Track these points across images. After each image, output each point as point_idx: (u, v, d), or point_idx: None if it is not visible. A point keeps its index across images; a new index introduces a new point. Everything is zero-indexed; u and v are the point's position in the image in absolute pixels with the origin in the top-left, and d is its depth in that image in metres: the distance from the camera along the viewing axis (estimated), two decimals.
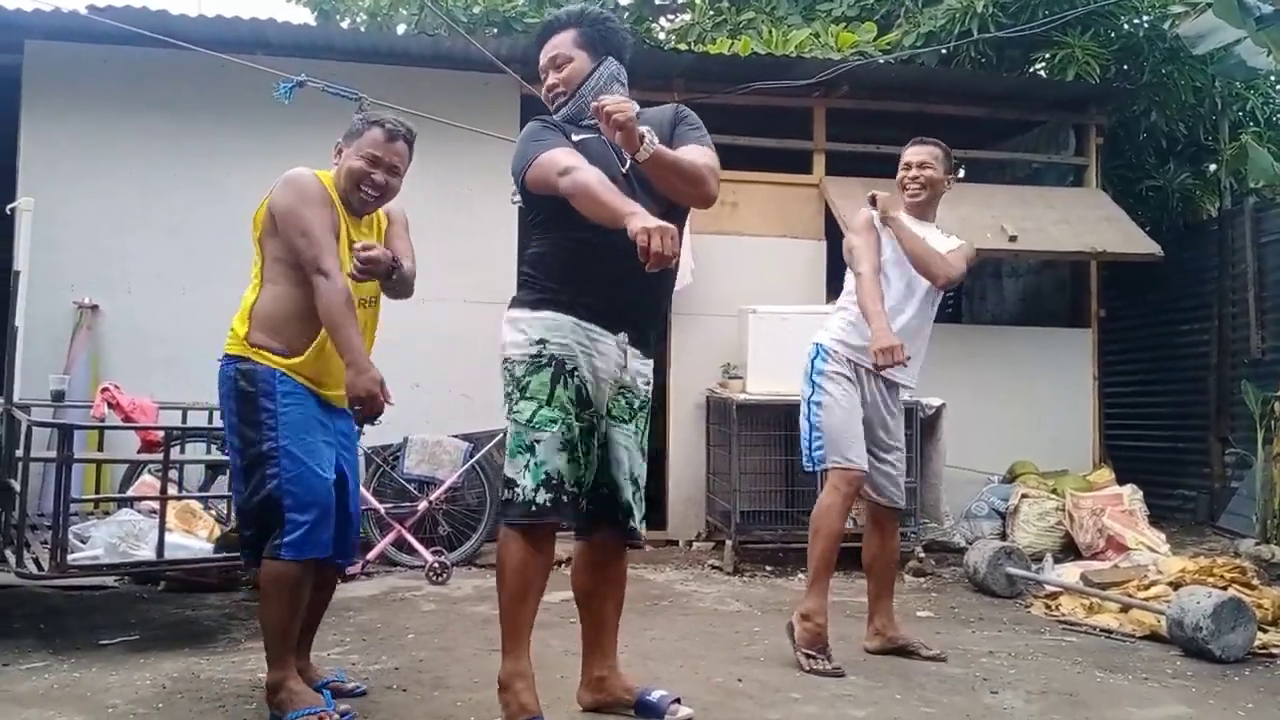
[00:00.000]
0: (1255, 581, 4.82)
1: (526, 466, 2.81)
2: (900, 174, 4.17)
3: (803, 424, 4.05)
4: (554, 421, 2.81)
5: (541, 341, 2.85)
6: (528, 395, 2.84)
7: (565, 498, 2.81)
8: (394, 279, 3.16)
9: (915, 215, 4.10)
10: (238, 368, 3.05)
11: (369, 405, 2.92)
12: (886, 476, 4.03)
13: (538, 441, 2.81)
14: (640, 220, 2.52)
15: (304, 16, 10.62)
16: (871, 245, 3.97)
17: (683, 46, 8.78)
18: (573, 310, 2.87)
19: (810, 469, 4.06)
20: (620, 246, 2.61)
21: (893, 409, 4.07)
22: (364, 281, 3.10)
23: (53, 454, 3.79)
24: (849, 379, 3.97)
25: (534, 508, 2.79)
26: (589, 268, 2.88)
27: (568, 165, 2.75)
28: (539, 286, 2.93)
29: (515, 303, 2.98)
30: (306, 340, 3.05)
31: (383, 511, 5.64)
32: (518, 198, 2.95)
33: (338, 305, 2.94)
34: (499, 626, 2.92)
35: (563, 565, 4.30)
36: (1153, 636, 4.36)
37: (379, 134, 3.16)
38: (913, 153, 4.16)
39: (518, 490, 2.81)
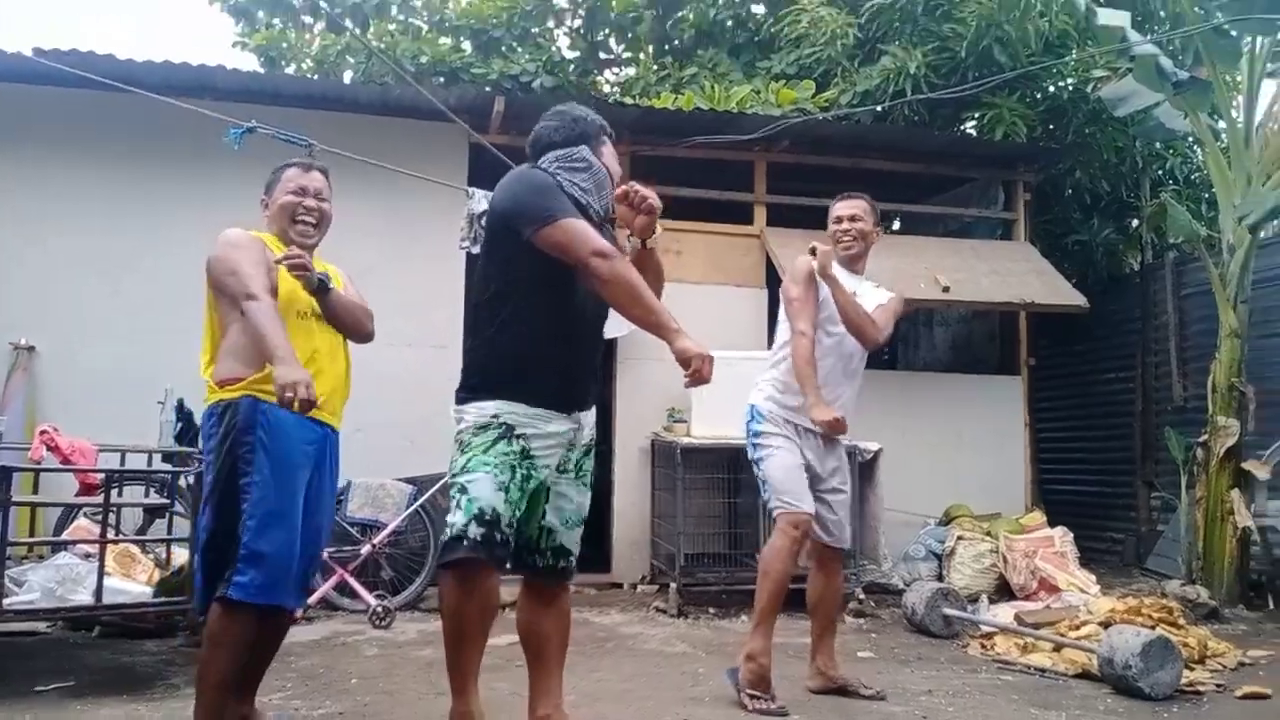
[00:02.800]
0: (1181, 621, 4.99)
1: (459, 505, 2.83)
2: (832, 227, 4.25)
3: (757, 478, 4.15)
4: (487, 465, 2.84)
5: (495, 415, 2.88)
6: (466, 450, 2.89)
7: (498, 535, 2.82)
8: (330, 295, 3.19)
9: (847, 268, 4.18)
10: (215, 410, 3.06)
11: (291, 396, 2.79)
12: (830, 519, 4.11)
13: (471, 483, 2.83)
14: (688, 341, 2.78)
15: (250, 63, 10.67)
16: (811, 301, 4.06)
17: (628, 100, 8.96)
18: (524, 399, 2.90)
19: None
20: (583, 333, 2.81)
21: (833, 453, 4.17)
22: (298, 281, 3.10)
23: None
24: (783, 435, 4.07)
25: (465, 541, 2.79)
26: (547, 355, 2.92)
27: (606, 248, 2.82)
28: (489, 383, 2.92)
29: (464, 398, 2.96)
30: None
31: (325, 555, 5.58)
32: (469, 244, 2.98)
33: (264, 317, 2.93)
34: (445, 670, 2.93)
35: (506, 609, 4.30)
36: (1085, 675, 4.47)
37: (295, 170, 3.32)
38: (843, 206, 4.25)
39: (451, 528, 2.84)
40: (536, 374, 2.91)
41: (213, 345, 3.18)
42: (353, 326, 3.32)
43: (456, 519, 2.82)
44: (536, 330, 2.91)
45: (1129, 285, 8.98)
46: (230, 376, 3.04)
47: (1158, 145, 8.72)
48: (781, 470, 3.99)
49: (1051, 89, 8.57)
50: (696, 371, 2.77)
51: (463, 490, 2.84)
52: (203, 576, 3.05)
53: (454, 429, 2.98)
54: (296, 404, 2.79)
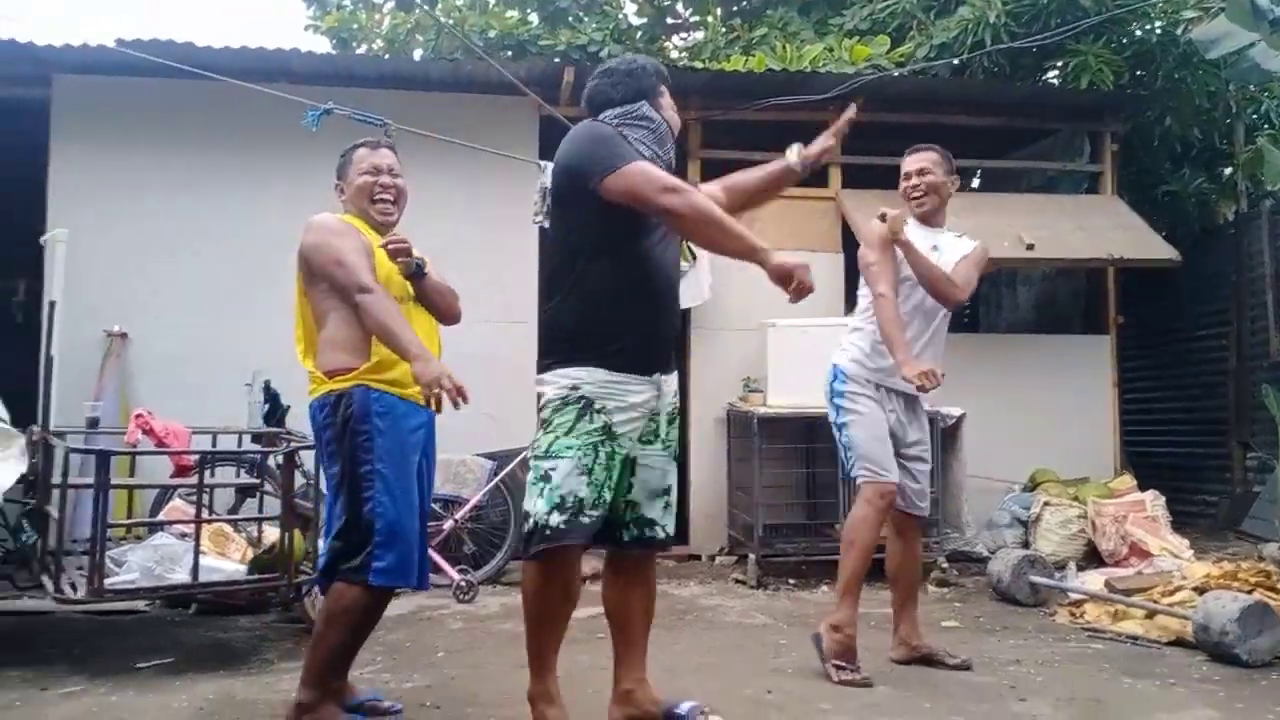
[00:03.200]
0: None
1: (540, 494, 2.83)
2: (902, 185, 4.15)
3: (838, 443, 4.09)
4: (570, 448, 2.83)
5: (574, 386, 2.87)
6: (549, 430, 2.88)
7: (584, 519, 2.83)
8: (425, 280, 3.23)
9: (924, 222, 4.10)
10: (327, 401, 3.10)
11: (440, 392, 2.84)
12: (912, 487, 4.04)
13: (553, 470, 2.83)
14: (779, 255, 2.79)
15: (323, 45, 10.80)
16: (889, 263, 3.97)
17: (698, 65, 8.85)
18: (605, 363, 2.87)
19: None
20: (660, 288, 2.77)
21: (916, 420, 4.10)
22: (401, 270, 3.16)
23: (90, 480, 3.87)
24: (870, 397, 4.00)
25: (548, 531, 2.80)
26: (625, 314, 2.89)
27: (677, 183, 2.79)
28: (567, 349, 2.90)
29: (544, 366, 2.95)
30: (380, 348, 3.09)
31: None
32: (542, 218, 2.97)
33: (386, 312, 2.98)
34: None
35: (587, 581, 4.34)
36: (1178, 642, 4.37)
37: (364, 150, 3.32)
38: (911, 161, 4.15)
39: (532, 519, 2.84)
40: (615, 334, 2.88)
41: (307, 334, 3.24)
42: (445, 310, 3.37)
43: (538, 507, 2.83)
44: (612, 289, 2.88)
45: (1223, 236, 8.62)
46: (339, 367, 3.08)
47: (1252, 88, 8.30)
48: (867, 436, 3.93)
49: (1139, 33, 8.20)
50: (800, 283, 2.77)
51: (545, 478, 2.84)
52: (328, 560, 3.11)
53: (534, 403, 3.00)
54: (445, 399, 2.83)
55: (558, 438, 2.85)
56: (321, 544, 3.34)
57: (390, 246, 3.14)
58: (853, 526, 3.91)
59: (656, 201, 2.76)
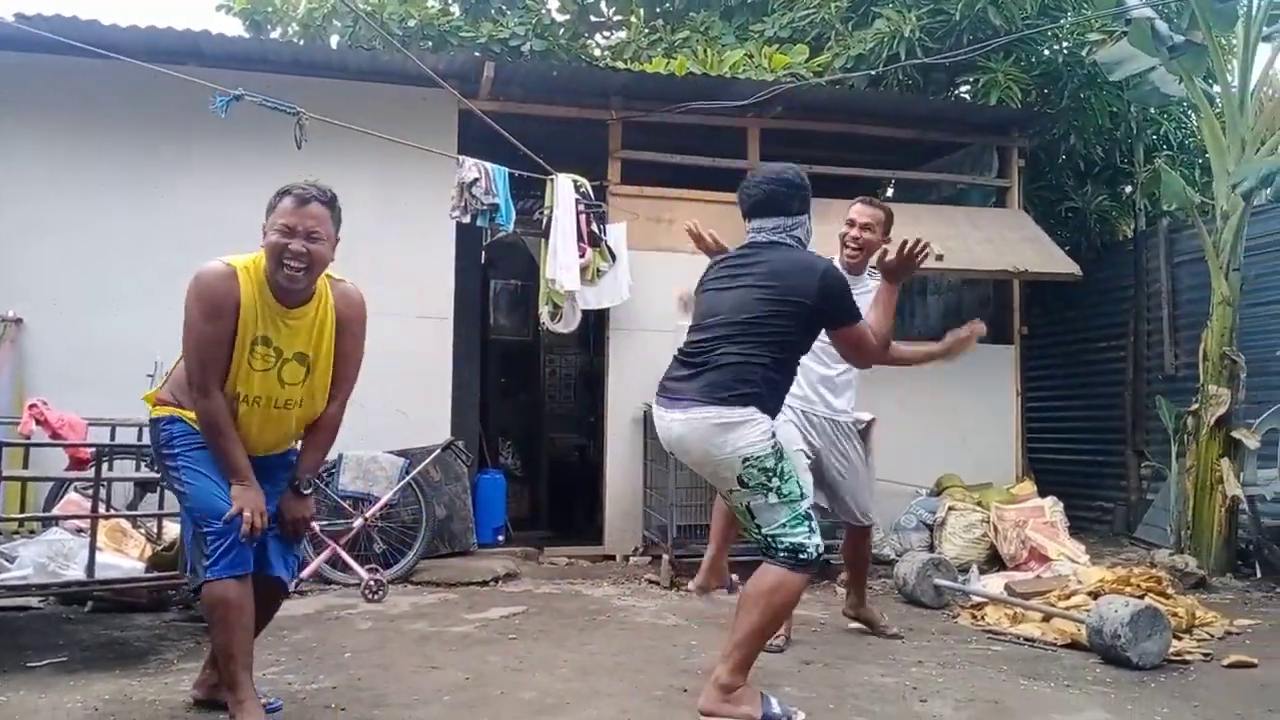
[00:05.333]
0: (1170, 590, 5.02)
1: (811, 530, 3.29)
2: (844, 229, 4.40)
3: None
4: (800, 482, 3.40)
5: (769, 432, 3.29)
6: (787, 476, 3.29)
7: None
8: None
9: (848, 270, 4.28)
10: (150, 427, 3.26)
11: (247, 521, 3.00)
12: (840, 502, 4.51)
13: (811, 507, 3.42)
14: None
15: (235, 27, 10.51)
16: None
17: (619, 65, 8.86)
18: (773, 416, 3.39)
19: None
20: None
21: (841, 438, 4.44)
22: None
23: None
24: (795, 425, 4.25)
25: (819, 555, 3.32)
26: (788, 387, 3.53)
27: (886, 339, 3.55)
28: (759, 400, 3.29)
29: (739, 400, 3.26)
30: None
31: (317, 529, 5.57)
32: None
33: (209, 422, 3.05)
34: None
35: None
36: (1074, 645, 4.51)
37: (289, 202, 3.07)
38: (858, 212, 4.40)
39: (808, 550, 3.25)
40: (781, 400, 3.46)
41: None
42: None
43: (814, 541, 3.27)
44: (793, 370, 3.48)
45: (1122, 253, 8.96)
46: (166, 399, 3.19)
47: (1152, 110, 8.67)
48: None
49: (1046, 53, 8.49)
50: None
51: (808, 517, 3.30)
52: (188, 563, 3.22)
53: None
54: (246, 527, 2.99)
55: (795, 475, 3.33)
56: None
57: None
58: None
59: (878, 354, 3.54)
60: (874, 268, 4.38)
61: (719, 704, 3.20)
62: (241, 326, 3.03)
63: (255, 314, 3.05)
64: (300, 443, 3.36)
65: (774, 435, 3.29)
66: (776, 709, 3.24)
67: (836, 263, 4.16)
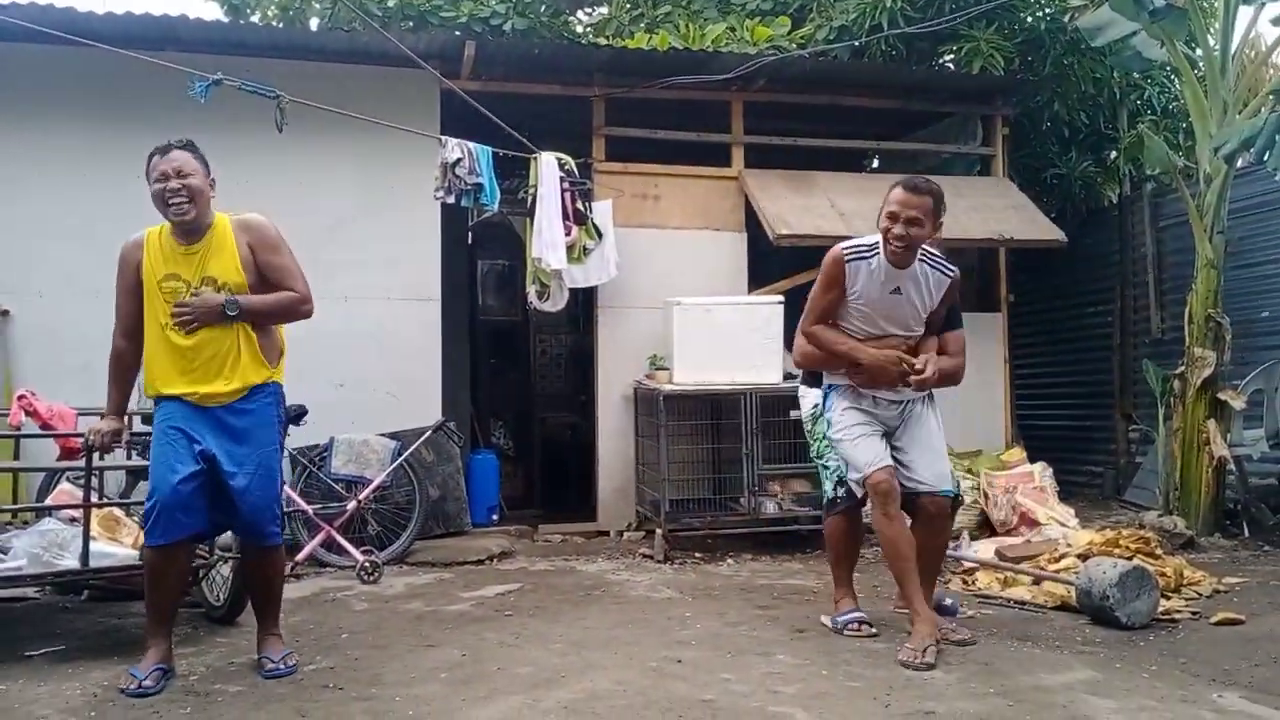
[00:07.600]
0: (1159, 551, 5.06)
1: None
2: (885, 223, 3.73)
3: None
4: None
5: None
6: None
7: None
8: (242, 314, 3.48)
9: (894, 265, 3.80)
10: None
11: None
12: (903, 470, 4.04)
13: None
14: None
15: (213, 12, 10.42)
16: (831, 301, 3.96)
17: (601, 41, 8.82)
18: None
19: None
20: None
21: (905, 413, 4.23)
22: (185, 328, 3.48)
23: None
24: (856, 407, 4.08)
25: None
26: None
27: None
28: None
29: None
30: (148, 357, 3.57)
31: (311, 512, 5.59)
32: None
33: (110, 361, 3.61)
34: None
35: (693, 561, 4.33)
36: (1063, 607, 4.56)
37: (155, 158, 3.58)
38: (901, 201, 3.69)
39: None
40: None
41: None
42: (285, 320, 3.65)
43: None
44: None
45: (1107, 218, 8.98)
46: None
47: (1135, 75, 8.66)
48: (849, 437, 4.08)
49: (1029, 20, 8.47)
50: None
51: None
52: None
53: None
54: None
55: None
56: None
57: (175, 323, 3.46)
58: (878, 531, 4.01)
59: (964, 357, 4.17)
60: (933, 254, 3.93)
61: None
62: (147, 274, 3.53)
63: (160, 259, 3.53)
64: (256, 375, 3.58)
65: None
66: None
67: (881, 255, 3.80)
